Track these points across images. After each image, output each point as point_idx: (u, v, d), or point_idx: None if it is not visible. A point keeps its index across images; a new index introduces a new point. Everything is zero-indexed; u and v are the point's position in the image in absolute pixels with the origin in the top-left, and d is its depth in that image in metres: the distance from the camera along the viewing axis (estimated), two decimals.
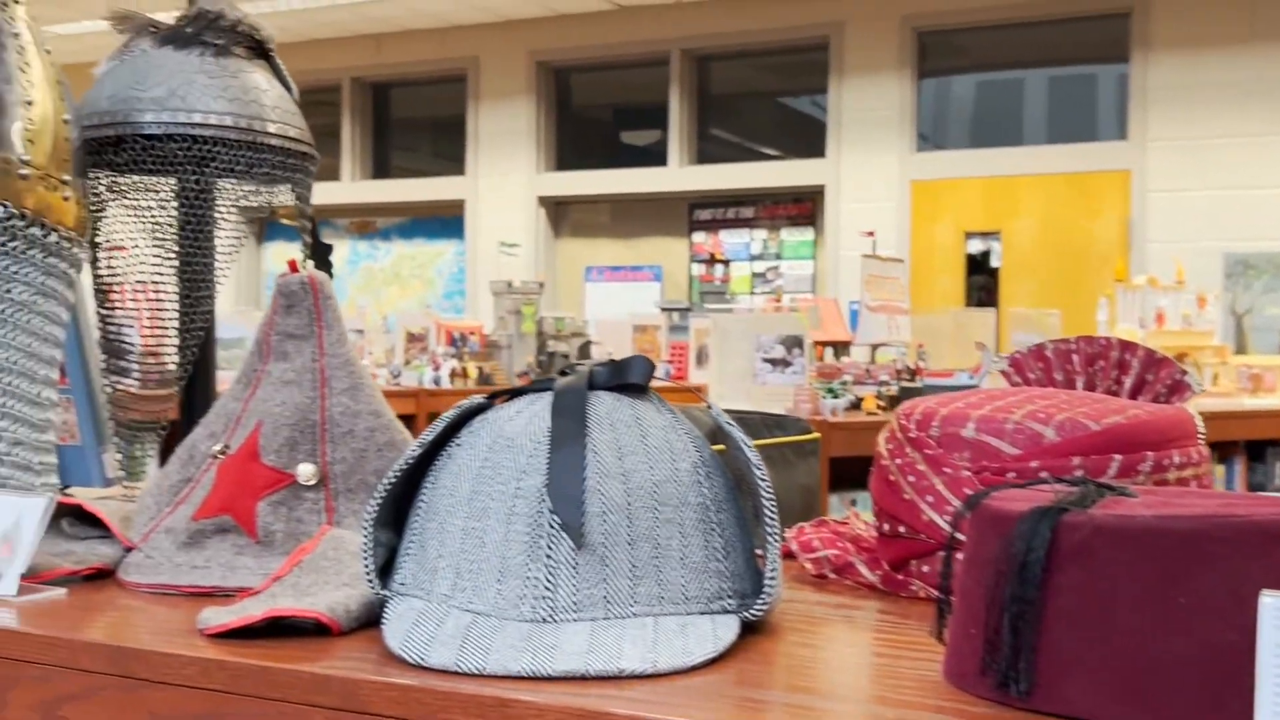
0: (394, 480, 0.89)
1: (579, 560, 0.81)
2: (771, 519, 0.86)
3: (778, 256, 8.81)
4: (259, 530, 1.04)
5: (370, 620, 0.88)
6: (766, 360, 3.45)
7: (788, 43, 8.67)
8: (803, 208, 8.76)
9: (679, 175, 8.94)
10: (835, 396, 3.51)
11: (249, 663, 0.80)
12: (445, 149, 10.02)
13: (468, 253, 9.54)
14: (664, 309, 6.22)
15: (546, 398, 0.89)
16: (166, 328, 1.45)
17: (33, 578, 1.00)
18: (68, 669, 0.86)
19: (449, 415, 0.90)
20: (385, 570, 0.89)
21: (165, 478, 1.12)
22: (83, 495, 1.36)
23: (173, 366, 1.44)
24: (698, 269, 9.01)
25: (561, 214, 9.67)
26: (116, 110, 1.35)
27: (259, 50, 1.46)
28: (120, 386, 1.42)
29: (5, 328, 1.16)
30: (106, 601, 1.00)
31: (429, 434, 0.89)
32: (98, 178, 1.41)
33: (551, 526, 0.82)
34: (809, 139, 8.75)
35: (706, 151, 9.06)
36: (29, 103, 1.17)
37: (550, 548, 0.81)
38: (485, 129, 9.54)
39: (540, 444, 0.85)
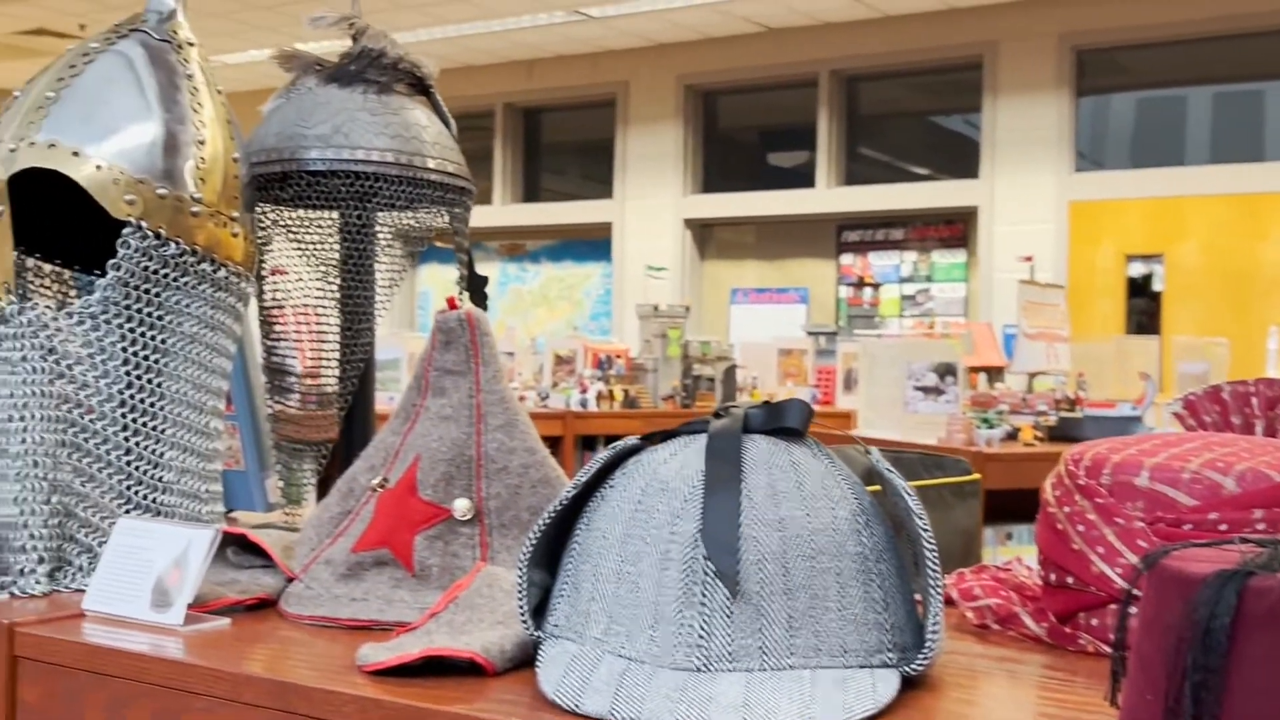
0: (548, 521, 0.88)
1: (734, 609, 0.80)
2: (933, 569, 0.83)
3: (928, 279, 8.66)
4: (415, 564, 1.05)
5: (523, 660, 0.88)
6: (918, 388, 3.38)
7: (939, 62, 8.53)
8: (954, 229, 8.60)
9: (827, 197, 8.86)
10: (991, 426, 3.42)
11: (406, 703, 0.81)
12: (594, 172, 10.13)
13: (614, 275, 9.61)
14: (810, 333, 6.16)
15: (700, 440, 0.88)
16: (326, 352, 1.48)
17: (198, 606, 1.02)
18: (231, 701, 0.88)
19: (603, 457, 0.90)
20: (538, 610, 0.89)
21: (326, 509, 1.14)
22: (246, 521, 1.40)
23: (332, 390, 1.48)
24: (845, 291, 8.92)
25: (707, 236, 9.67)
26: (283, 147, 1.39)
27: (419, 86, 1.49)
28: (281, 406, 1.46)
29: (175, 360, 1.20)
30: (268, 633, 1.02)
31: (583, 475, 0.89)
32: (264, 211, 1.46)
33: (706, 573, 0.80)
34: (961, 159, 8.59)
35: (855, 172, 8.97)
36: (200, 142, 1.22)
37: (704, 595, 0.80)
38: (633, 152, 9.61)
39: (695, 488, 0.84)
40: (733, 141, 9.84)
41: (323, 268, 1.50)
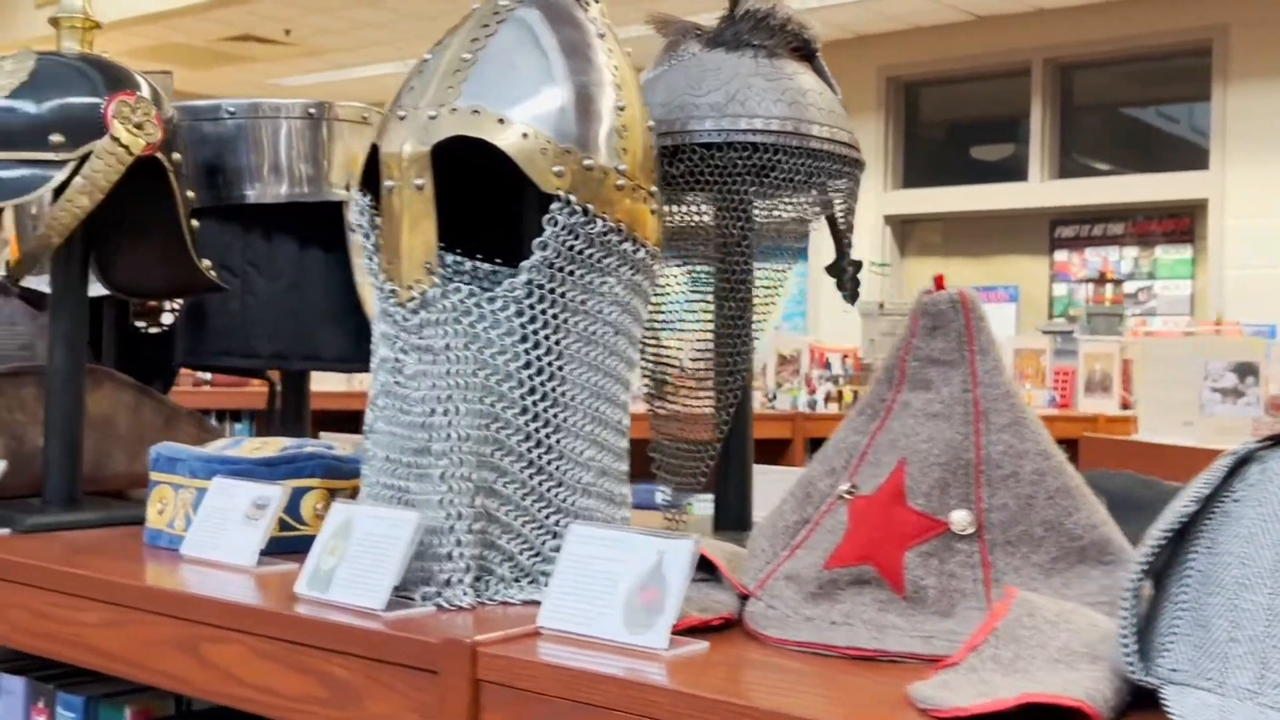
0: (1159, 545, 0.73)
1: None
2: None
3: (1150, 276, 8.21)
4: (906, 584, 0.91)
5: (1121, 708, 0.73)
6: (1216, 389, 3.11)
7: (1162, 48, 8.08)
8: (1180, 223, 8.13)
9: (1040, 190, 8.48)
10: None
11: None
12: None
13: (809, 272, 9.39)
14: (1046, 331, 5.86)
15: None
16: (704, 354, 1.35)
17: None
18: None
19: (1224, 463, 0.74)
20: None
21: (779, 518, 1.01)
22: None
23: (711, 391, 1.35)
24: (1060, 289, 8.53)
25: (908, 233, 9.38)
26: (673, 119, 1.26)
27: (804, 51, 1.36)
28: (660, 403, 1.34)
29: (595, 349, 1.08)
30: (750, 658, 0.89)
31: (1203, 488, 0.73)
32: None
33: None
34: (1185, 150, 8.12)
35: (1069, 166, 8.57)
36: (620, 108, 1.10)
37: None
38: None
39: None
40: (933, 135, 9.52)
41: (696, 256, 1.38)
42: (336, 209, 1.70)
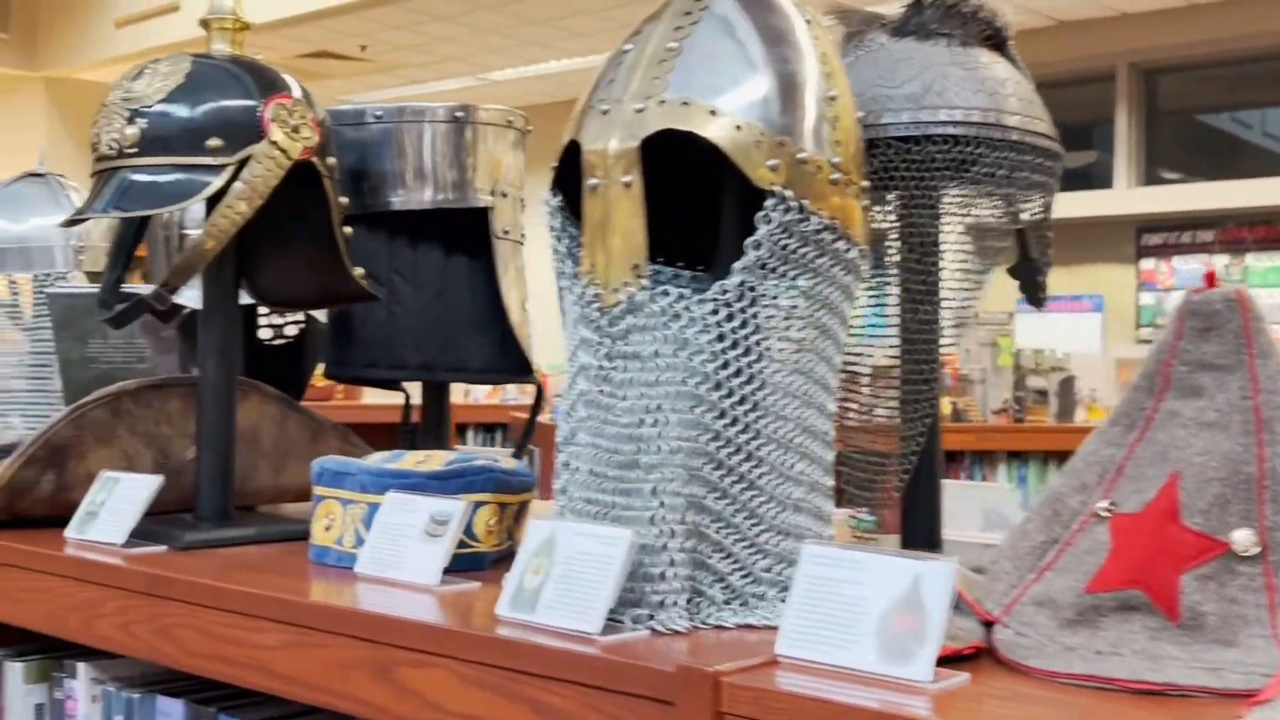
0: None
1: None
2: None
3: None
4: (1182, 610, 0.83)
5: None
6: None
7: (1250, 51, 7.88)
8: (1272, 230, 7.91)
9: (1127, 197, 8.29)
10: None
11: None
12: None
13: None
14: (1143, 341, 5.70)
15: None
16: (890, 353, 1.28)
17: None
18: None
19: None
20: None
21: (1024, 538, 0.93)
22: None
23: (894, 402, 1.28)
24: (1147, 297, 8.33)
25: None
26: (866, 111, 1.19)
27: (995, 39, 1.28)
28: (851, 421, 1.27)
29: (805, 355, 1.02)
30: (1013, 690, 0.81)
31: None
32: None
33: None
34: (1276, 156, 7.91)
35: (1155, 172, 8.37)
36: (831, 98, 1.03)
37: None
38: None
39: None
40: None
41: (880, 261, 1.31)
42: (481, 215, 1.64)
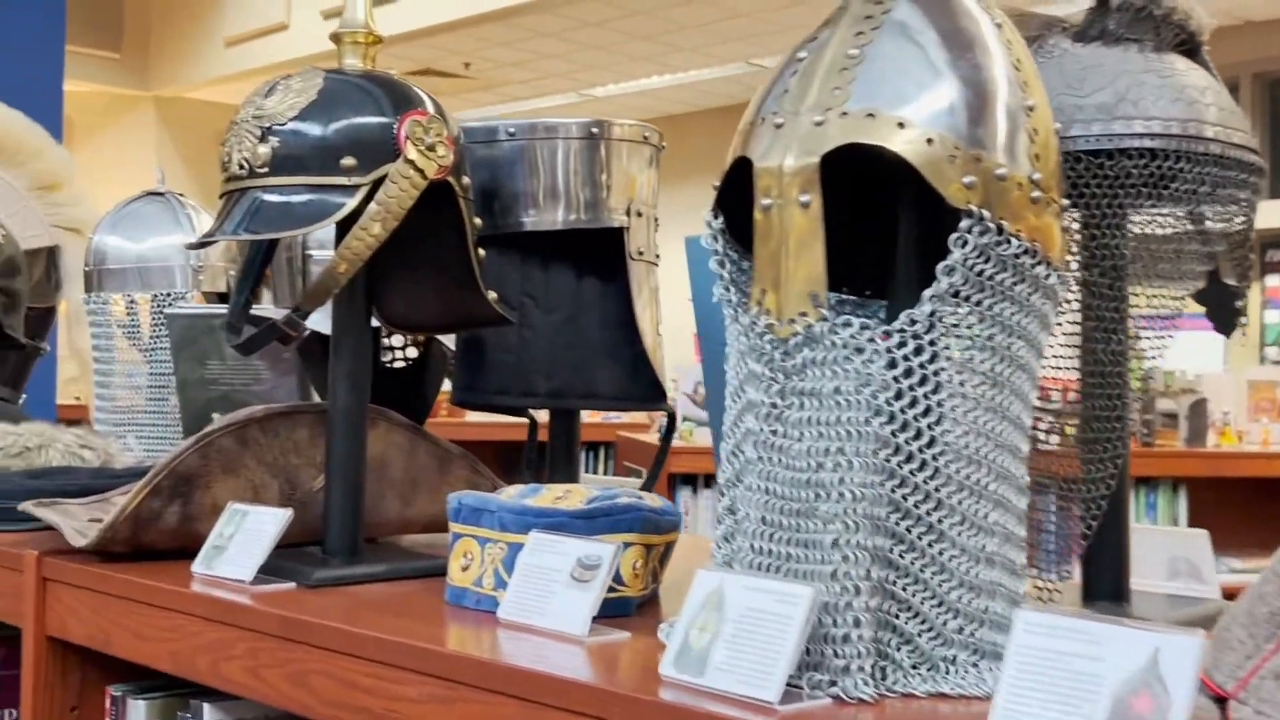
0: None
1: None
2: None
3: None
4: None
5: None
6: None
7: None
8: None
9: None
10: None
11: None
12: None
13: None
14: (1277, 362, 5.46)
15: None
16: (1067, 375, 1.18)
17: None
18: None
19: None
20: None
21: (1259, 602, 0.82)
22: None
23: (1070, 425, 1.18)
24: (1273, 315, 8.01)
25: None
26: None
27: (1188, 45, 1.17)
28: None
29: (1000, 392, 0.92)
30: None
31: None
32: None
33: None
34: None
35: None
36: (1030, 108, 0.93)
37: None
38: None
39: None
40: None
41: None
42: (614, 235, 1.57)
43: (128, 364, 2.38)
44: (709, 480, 4.51)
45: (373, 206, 1.27)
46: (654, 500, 1.23)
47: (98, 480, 1.71)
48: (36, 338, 2.73)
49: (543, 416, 1.71)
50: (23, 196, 2.70)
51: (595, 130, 1.55)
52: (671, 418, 1.67)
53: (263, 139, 1.28)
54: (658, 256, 1.61)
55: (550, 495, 1.24)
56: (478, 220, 1.40)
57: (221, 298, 2.36)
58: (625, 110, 9.82)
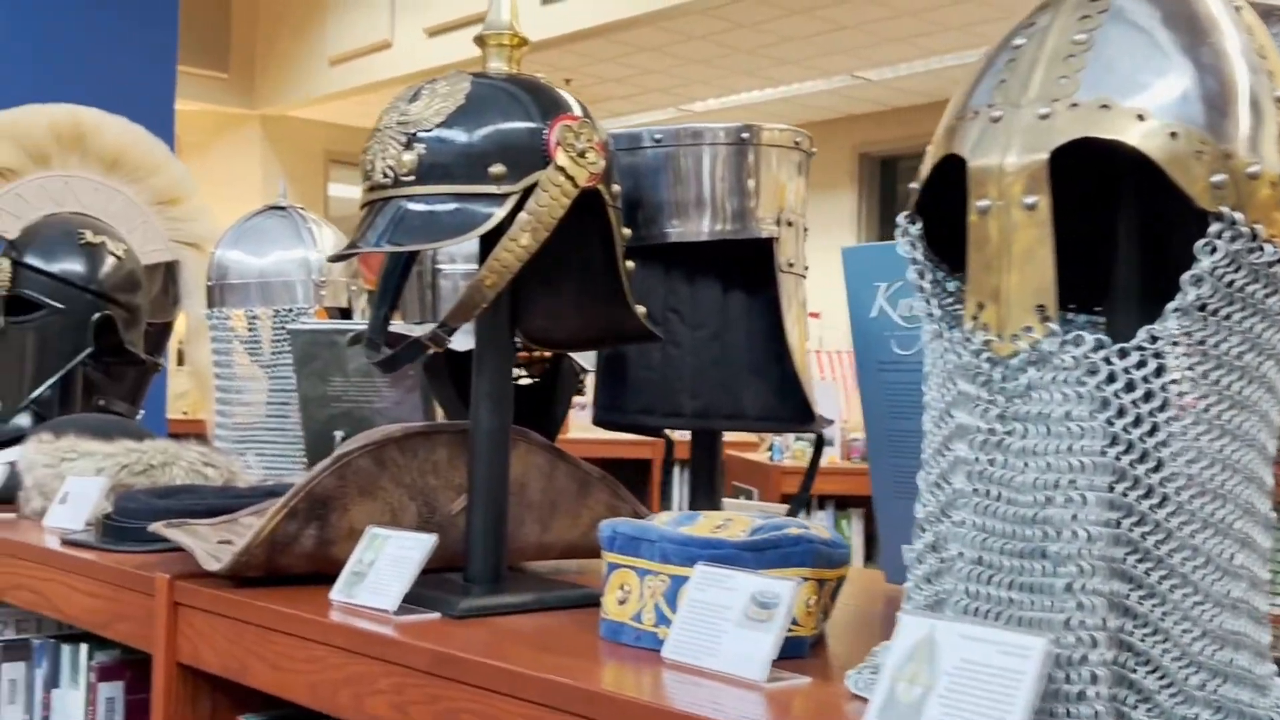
0: None
1: None
2: None
3: None
4: None
5: None
6: None
7: None
8: None
9: None
10: None
11: None
12: None
13: None
14: None
15: None
16: None
17: None
18: None
19: None
20: None
21: None
22: None
23: None
24: None
25: None
26: None
27: None
28: None
29: (1247, 418, 0.82)
30: None
31: None
32: None
33: None
34: None
35: None
36: (1278, 99, 0.83)
37: None
38: None
39: None
40: None
41: None
42: (762, 246, 1.48)
43: (248, 380, 2.35)
44: (822, 502, 4.39)
45: (522, 216, 1.20)
46: (821, 530, 1.14)
47: (224, 500, 1.66)
48: (153, 353, 2.72)
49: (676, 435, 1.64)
50: (143, 212, 2.70)
51: (745, 135, 1.47)
52: (820, 439, 1.58)
53: (408, 146, 1.22)
54: (806, 268, 1.52)
55: (709, 524, 1.15)
56: (625, 230, 1.32)
57: (344, 313, 2.32)
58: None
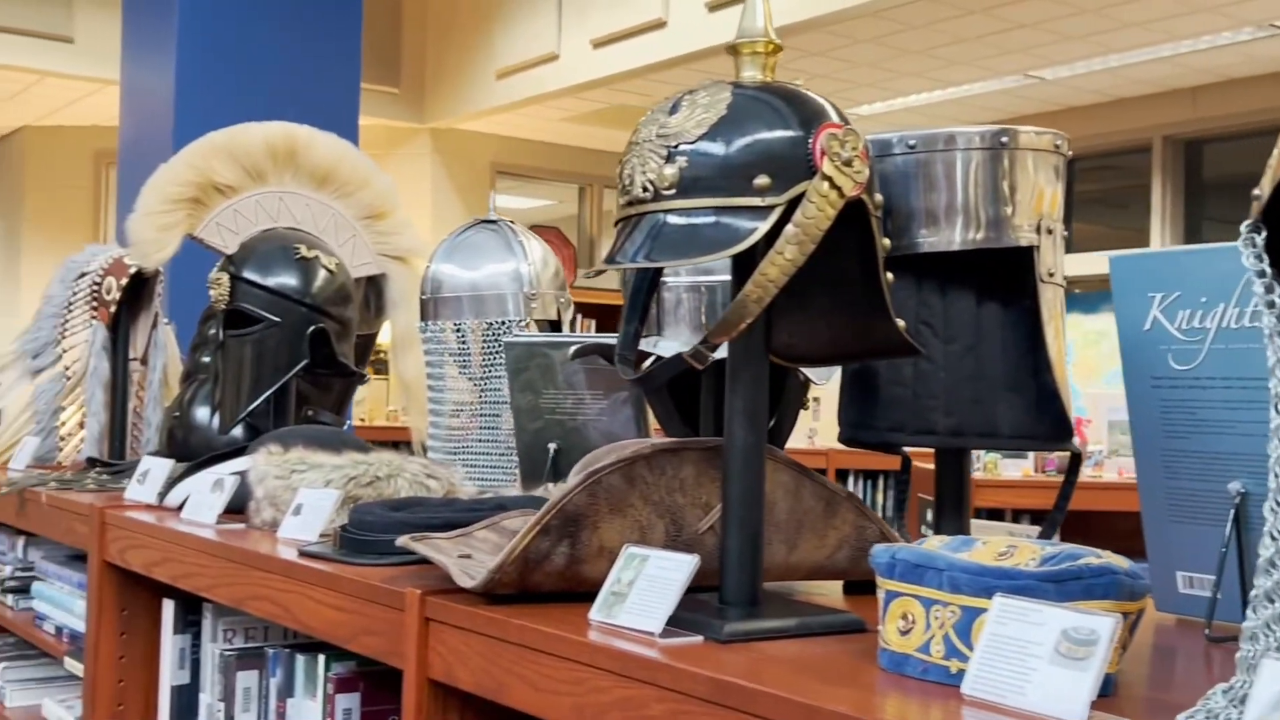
0: None
1: None
2: None
3: None
4: None
5: None
6: None
7: None
8: None
9: None
10: None
11: None
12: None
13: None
14: None
15: None
16: None
17: None
18: None
19: None
20: None
21: None
22: None
23: None
24: None
25: None
26: None
27: None
28: None
29: None
30: None
31: None
32: None
33: None
34: None
35: None
36: None
37: None
38: None
39: None
40: None
41: None
42: (1019, 255, 1.42)
43: (459, 392, 2.36)
44: (1016, 515, 4.26)
45: (789, 229, 1.16)
46: (1119, 560, 1.07)
47: (453, 513, 1.66)
48: (358, 364, 2.77)
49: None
50: (352, 226, 2.75)
51: (1003, 139, 1.41)
52: (1077, 458, 1.50)
53: (669, 159, 1.19)
54: (1066, 279, 1.45)
55: (991, 551, 1.09)
56: (885, 240, 1.27)
57: (553, 325, 2.32)
58: (894, 128, 9.58)
